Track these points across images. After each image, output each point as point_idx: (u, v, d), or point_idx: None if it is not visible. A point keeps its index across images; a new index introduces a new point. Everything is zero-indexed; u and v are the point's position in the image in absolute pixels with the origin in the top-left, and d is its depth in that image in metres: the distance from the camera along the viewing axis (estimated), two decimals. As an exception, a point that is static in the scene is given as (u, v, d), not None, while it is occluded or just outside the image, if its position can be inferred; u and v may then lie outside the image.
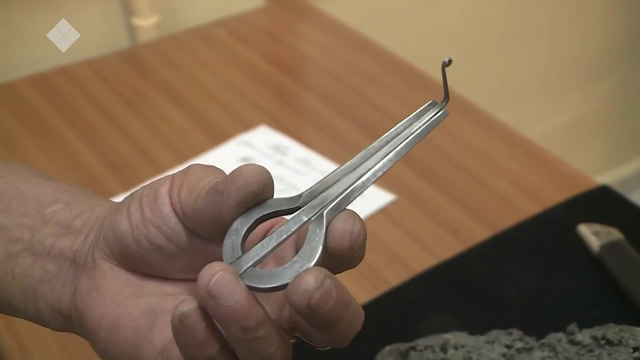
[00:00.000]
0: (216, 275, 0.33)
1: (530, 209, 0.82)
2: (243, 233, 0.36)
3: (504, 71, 1.67)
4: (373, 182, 0.38)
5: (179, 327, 0.35)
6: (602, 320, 0.59)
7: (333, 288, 0.34)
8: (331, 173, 0.38)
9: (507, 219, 0.80)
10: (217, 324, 0.35)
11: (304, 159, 0.89)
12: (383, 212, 0.82)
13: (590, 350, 0.56)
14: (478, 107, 0.99)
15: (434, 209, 0.83)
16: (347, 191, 0.37)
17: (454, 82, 1.07)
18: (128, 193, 0.41)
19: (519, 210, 0.82)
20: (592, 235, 0.75)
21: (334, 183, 0.38)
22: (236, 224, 0.36)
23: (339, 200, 0.37)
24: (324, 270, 0.34)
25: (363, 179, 0.38)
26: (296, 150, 0.91)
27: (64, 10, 1.11)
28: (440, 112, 0.39)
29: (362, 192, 0.38)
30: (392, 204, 0.83)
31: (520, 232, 0.79)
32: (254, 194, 0.36)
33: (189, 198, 0.37)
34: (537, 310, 0.71)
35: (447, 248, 0.78)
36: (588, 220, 0.77)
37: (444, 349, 0.60)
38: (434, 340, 0.61)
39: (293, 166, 0.88)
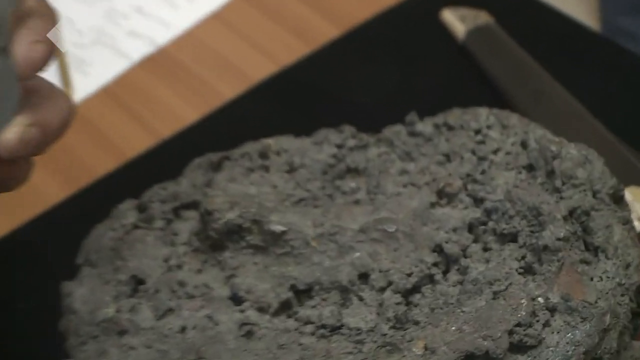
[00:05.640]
0: None
1: (388, -1, 0.69)
2: None
3: None
4: None
5: None
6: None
7: (35, 134, 0.34)
8: None
9: (360, 12, 0.68)
10: None
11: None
12: (216, 17, 0.69)
13: (430, 139, 0.46)
14: None
15: (272, 2, 0.70)
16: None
17: None
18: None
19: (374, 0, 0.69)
20: (458, 20, 0.64)
21: None
22: None
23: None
24: (23, 121, 0.34)
25: None
26: None
27: None
28: None
29: None
30: (226, 8, 0.70)
31: (376, 26, 0.67)
32: None
33: None
34: (394, 113, 0.60)
35: (290, 51, 0.66)
36: (455, 4, 0.66)
37: (263, 155, 0.49)
38: (252, 146, 0.49)
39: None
